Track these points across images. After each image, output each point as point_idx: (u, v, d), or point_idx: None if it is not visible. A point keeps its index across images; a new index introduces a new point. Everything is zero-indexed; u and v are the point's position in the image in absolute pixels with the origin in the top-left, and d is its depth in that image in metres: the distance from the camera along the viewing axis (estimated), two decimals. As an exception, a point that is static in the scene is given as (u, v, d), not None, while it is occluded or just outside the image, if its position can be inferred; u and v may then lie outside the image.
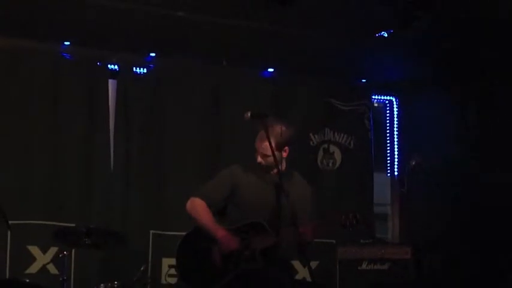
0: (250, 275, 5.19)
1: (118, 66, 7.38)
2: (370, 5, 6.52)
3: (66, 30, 6.89)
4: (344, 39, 7.20)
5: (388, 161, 8.57)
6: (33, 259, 6.84)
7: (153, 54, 7.44)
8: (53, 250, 6.78)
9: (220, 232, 5.24)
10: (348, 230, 5.32)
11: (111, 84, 7.39)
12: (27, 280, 6.20)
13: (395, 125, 8.58)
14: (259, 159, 5.34)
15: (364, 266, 7.22)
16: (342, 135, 8.23)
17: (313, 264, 7.34)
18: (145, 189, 7.28)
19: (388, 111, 8.63)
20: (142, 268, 6.18)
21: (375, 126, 8.43)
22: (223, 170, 5.57)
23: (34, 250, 6.86)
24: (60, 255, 6.01)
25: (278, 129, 5.25)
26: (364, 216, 5.33)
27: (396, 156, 8.54)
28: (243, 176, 5.40)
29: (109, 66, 7.35)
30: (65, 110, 7.14)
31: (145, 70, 7.47)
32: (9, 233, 6.59)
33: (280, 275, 5.25)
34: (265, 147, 5.19)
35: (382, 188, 8.54)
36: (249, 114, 5.12)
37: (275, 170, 5.20)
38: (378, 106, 8.62)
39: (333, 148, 8.19)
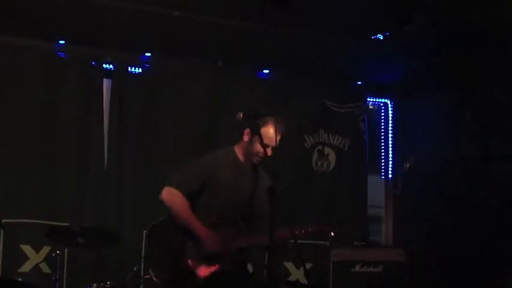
0: (221, 275, 5.17)
1: (113, 65, 7.38)
2: (366, 8, 6.52)
3: (61, 29, 6.89)
4: (340, 41, 7.20)
5: (383, 163, 8.58)
6: (26, 258, 6.82)
7: (148, 54, 7.43)
8: (46, 249, 6.77)
9: (203, 232, 5.17)
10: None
11: (106, 83, 7.38)
12: (20, 279, 6.20)
13: (389, 128, 8.59)
14: (257, 160, 5.32)
15: (357, 268, 7.22)
16: (337, 137, 8.23)
17: (307, 266, 7.33)
18: (139, 189, 7.27)
19: (382, 114, 8.63)
20: (135, 268, 6.18)
21: (370, 129, 8.44)
22: (202, 157, 5.44)
23: (27, 249, 6.84)
24: (53, 255, 6.03)
25: (272, 130, 5.26)
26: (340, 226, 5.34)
27: (390, 158, 8.55)
28: (221, 165, 5.32)
29: (104, 65, 7.35)
30: (60, 109, 7.14)
31: (140, 70, 7.46)
32: (2, 231, 6.59)
33: (247, 276, 5.30)
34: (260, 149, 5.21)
35: (376, 190, 8.54)
36: (241, 115, 5.12)
37: (249, 166, 5.32)
38: (372, 108, 8.63)
39: (327, 150, 8.19)
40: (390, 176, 8.57)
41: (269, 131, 5.24)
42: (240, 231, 5.22)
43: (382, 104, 8.64)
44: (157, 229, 5.33)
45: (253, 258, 5.71)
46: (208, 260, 5.16)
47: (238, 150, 5.40)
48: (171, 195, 5.27)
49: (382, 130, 8.61)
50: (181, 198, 5.23)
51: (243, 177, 5.33)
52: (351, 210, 8.13)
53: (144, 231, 7.17)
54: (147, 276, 5.95)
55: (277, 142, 5.28)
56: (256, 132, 5.15)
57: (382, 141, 8.61)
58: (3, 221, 5.85)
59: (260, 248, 5.26)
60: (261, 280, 5.61)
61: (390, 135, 8.59)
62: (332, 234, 5.30)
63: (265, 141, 5.15)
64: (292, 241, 4.87)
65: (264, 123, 5.23)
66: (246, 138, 5.33)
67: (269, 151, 5.17)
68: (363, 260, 7.23)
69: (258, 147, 5.18)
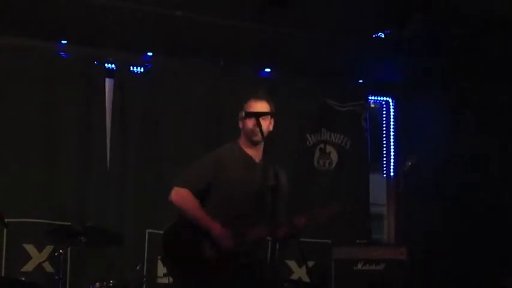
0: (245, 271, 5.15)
1: (115, 65, 7.40)
2: (367, 6, 6.53)
3: (63, 29, 6.91)
4: (341, 39, 7.21)
5: (384, 162, 8.58)
6: (29, 257, 6.83)
7: (150, 54, 7.44)
8: (49, 248, 6.79)
9: (216, 228, 5.07)
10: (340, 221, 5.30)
11: (108, 83, 7.40)
12: (23, 278, 6.22)
13: (391, 126, 8.59)
14: (255, 135, 5.18)
15: (359, 266, 7.23)
16: (338, 135, 8.24)
17: (309, 264, 7.35)
18: (141, 189, 7.28)
19: (384, 112, 8.64)
20: (138, 267, 6.20)
21: (371, 127, 8.44)
22: (206, 157, 5.35)
23: (30, 248, 6.85)
24: (56, 254, 6.04)
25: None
26: (356, 209, 5.33)
27: (392, 156, 8.55)
28: (227, 163, 5.22)
29: (106, 65, 7.37)
30: (62, 109, 7.15)
31: (142, 69, 7.47)
32: (5, 231, 6.60)
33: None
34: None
35: (377, 189, 8.54)
36: (243, 114, 5.12)
37: (258, 157, 5.22)
38: (374, 107, 8.63)
39: (329, 148, 8.20)
40: (392, 174, 8.57)
41: (251, 103, 5.21)
42: (252, 223, 5.11)
43: (383, 103, 8.65)
44: (170, 233, 5.29)
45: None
46: (229, 255, 5.09)
47: (242, 142, 5.31)
48: (179, 195, 5.20)
49: (384, 128, 8.62)
50: (190, 197, 5.16)
51: (251, 170, 5.23)
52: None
53: (147, 231, 7.22)
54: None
55: (265, 109, 5.19)
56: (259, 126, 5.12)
57: (384, 139, 8.61)
58: (6, 220, 5.86)
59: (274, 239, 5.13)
60: (264, 278, 5.59)
61: (392, 133, 8.59)
62: (350, 211, 5.27)
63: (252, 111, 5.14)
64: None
65: (246, 101, 5.22)
66: (240, 125, 5.28)
67: (263, 122, 5.09)
68: (365, 258, 7.23)
69: (249, 122, 5.13)
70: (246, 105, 5.22)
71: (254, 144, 5.23)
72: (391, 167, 8.56)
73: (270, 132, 5.21)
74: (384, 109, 8.65)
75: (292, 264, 7.67)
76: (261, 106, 5.21)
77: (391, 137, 8.60)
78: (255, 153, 5.27)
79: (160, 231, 7.25)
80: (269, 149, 5.22)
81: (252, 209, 5.16)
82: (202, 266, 5.09)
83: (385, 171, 8.61)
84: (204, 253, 5.11)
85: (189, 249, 5.14)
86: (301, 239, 5.01)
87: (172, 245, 5.21)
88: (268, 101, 5.24)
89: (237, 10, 6.56)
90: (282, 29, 6.93)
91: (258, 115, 5.09)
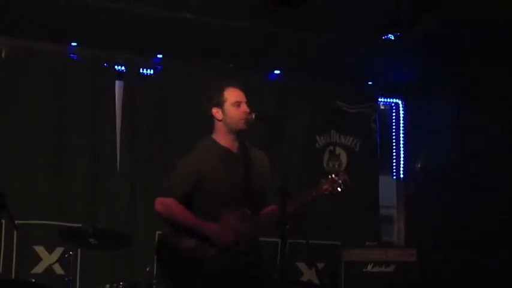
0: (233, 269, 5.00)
1: (125, 67, 7.42)
2: (376, 8, 6.52)
3: (73, 31, 6.93)
4: (350, 41, 7.20)
5: (394, 164, 8.57)
6: (39, 259, 6.86)
7: (160, 56, 7.47)
8: (59, 250, 6.81)
9: (208, 227, 4.90)
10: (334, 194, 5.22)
11: (118, 85, 7.42)
12: (33, 280, 6.24)
13: (401, 128, 8.58)
14: (243, 125, 5.08)
15: (369, 268, 7.23)
16: (348, 137, 8.24)
17: (319, 266, 7.35)
18: (151, 190, 7.27)
19: (394, 114, 8.63)
20: (147, 269, 6.20)
21: (381, 129, 8.44)
22: (186, 158, 5.19)
23: (40, 250, 6.88)
24: (66, 256, 6.06)
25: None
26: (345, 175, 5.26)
27: (402, 158, 8.54)
28: (207, 162, 5.05)
29: (116, 67, 7.39)
30: (72, 111, 7.18)
31: (152, 71, 7.50)
32: (15, 233, 6.62)
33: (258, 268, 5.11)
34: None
35: (387, 191, 8.53)
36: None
37: (235, 147, 5.10)
38: (384, 109, 8.62)
39: (338, 150, 8.20)
40: (402, 176, 8.56)
41: (231, 89, 5.12)
42: (245, 217, 4.98)
43: (393, 104, 8.64)
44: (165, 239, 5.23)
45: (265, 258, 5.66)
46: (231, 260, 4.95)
47: (218, 136, 5.16)
48: (164, 205, 5.04)
49: (394, 130, 8.61)
50: (175, 203, 4.99)
51: (233, 164, 5.07)
52: (362, 210, 8.13)
53: (157, 232, 7.22)
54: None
55: (243, 97, 5.13)
56: (222, 101, 5.07)
57: (394, 141, 8.60)
58: (16, 222, 5.87)
59: (272, 227, 4.94)
60: (273, 280, 5.58)
61: (401, 135, 8.57)
62: (339, 189, 5.18)
63: (236, 99, 5.06)
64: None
65: (221, 89, 5.11)
66: (218, 116, 5.12)
67: (245, 107, 5.06)
68: (375, 260, 7.23)
69: (235, 111, 5.05)
70: (225, 93, 5.09)
71: (235, 133, 5.09)
72: (401, 168, 8.55)
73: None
74: (394, 111, 8.65)
75: (302, 266, 7.67)
76: (241, 94, 5.12)
77: (401, 138, 8.59)
78: (232, 144, 5.11)
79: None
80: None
81: (241, 202, 5.00)
82: (203, 276, 4.94)
83: (394, 173, 8.59)
84: (204, 259, 4.95)
85: (188, 261, 4.98)
86: (311, 241, 4.96)
87: (169, 260, 5.11)
88: (241, 88, 5.16)
89: (246, 12, 6.56)
90: (290, 31, 6.92)
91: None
